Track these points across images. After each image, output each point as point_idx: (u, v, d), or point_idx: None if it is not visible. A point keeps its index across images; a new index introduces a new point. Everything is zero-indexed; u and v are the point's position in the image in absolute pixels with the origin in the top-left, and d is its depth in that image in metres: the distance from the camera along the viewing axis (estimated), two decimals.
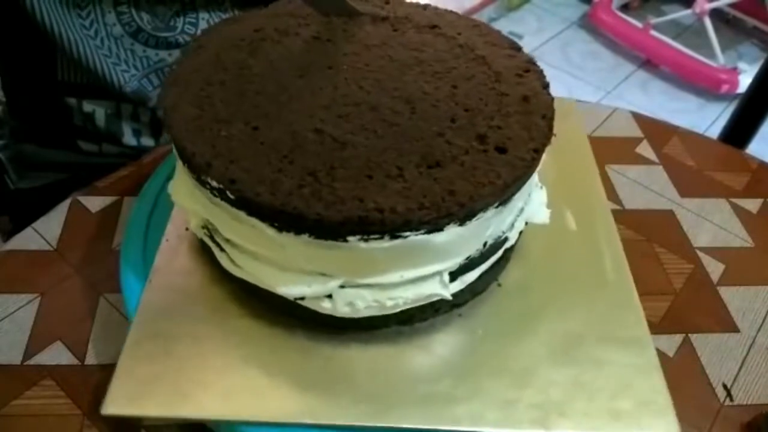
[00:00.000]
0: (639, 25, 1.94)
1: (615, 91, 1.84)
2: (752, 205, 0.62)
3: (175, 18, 0.61)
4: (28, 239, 0.53)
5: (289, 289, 0.38)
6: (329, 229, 0.35)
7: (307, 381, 0.39)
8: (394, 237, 0.35)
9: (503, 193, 0.37)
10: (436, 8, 0.50)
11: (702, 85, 1.83)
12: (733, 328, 0.52)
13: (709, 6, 1.85)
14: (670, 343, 0.50)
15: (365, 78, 0.43)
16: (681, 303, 0.52)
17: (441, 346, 0.42)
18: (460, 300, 0.43)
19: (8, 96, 0.66)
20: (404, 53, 0.45)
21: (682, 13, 1.97)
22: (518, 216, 0.43)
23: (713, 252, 0.57)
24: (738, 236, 0.59)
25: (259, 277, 0.40)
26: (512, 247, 0.45)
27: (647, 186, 0.63)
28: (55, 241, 0.53)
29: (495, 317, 0.43)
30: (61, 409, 0.43)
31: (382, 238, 0.35)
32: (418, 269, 0.38)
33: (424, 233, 0.35)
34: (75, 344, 0.46)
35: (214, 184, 0.36)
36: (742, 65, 1.80)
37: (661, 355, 0.49)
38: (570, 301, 0.44)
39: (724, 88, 1.79)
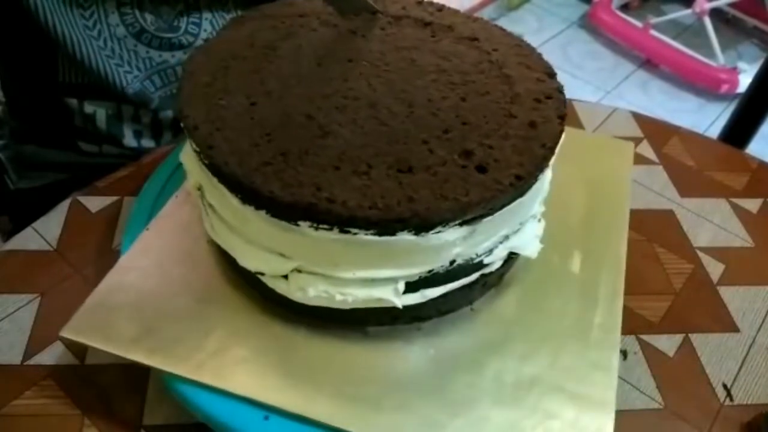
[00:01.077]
0: (639, 24, 1.94)
1: (615, 91, 1.84)
2: (752, 205, 0.62)
3: (179, 19, 0.61)
4: (28, 239, 0.53)
5: (249, 262, 0.40)
6: (281, 209, 0.36)
7: (241, 345, 0.41)
8: (342, 231, 0.35)
9: (465, 211, 0.36)
10: (486, 22, 0.50)
11: (702, 84, 1.83)
12: (733, 328, 0.52)
13: (708, 6, 1.85)
14: (670, 343, 0.50)
15: (378, 76, 0.43)
16: (681, 303, 0.52)
17: (388, 354, 0.41)
18: (422, 314, 0.42)
19: (8, 96, 0.66)
20: (429, 59, 0.45)
21: (682, 13, 1.97)
22: (500, 243, 0.41)
23: (713, 252, 0.57)
24: (738, 236, 0.59)
25: (228, 245, 0.41)
26: (497, 274, 0.43)
27: (647, 186, 0.63)
28: (55, 241, 0.53)
29: (454, 340, 0.42)
30: (61, 409, 0.43)
31: (331, 229, 0.35)
32: (371, 270, 0.37)
33: (374, 234, 0.35)
34: (75, 344, 0.46)
35: (194, 146, 0.38)
36: (742, 65, 1.80)
37: (661, 355, 0.49)
38: (539, 344, 0.42)
39: (724, 87, 1.79)
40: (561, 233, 0.46)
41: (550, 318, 0.43)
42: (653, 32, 1.91)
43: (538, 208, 0.43)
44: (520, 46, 0.48)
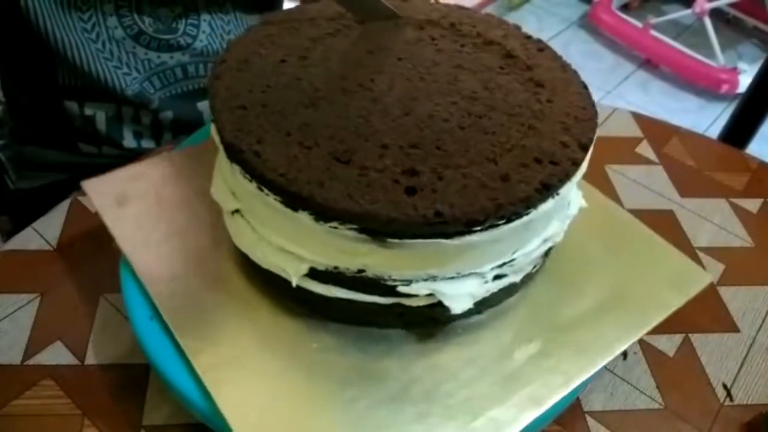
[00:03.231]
0: (639, 25, 1.94)
1: (615, 91, 1.84)
2: (752, 205, 0.62)
3: (177, 20, 0.61)
4: (28, 239, 0.53)
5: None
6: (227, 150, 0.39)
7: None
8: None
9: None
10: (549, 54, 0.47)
11: (702, 85, 1.83)
12: (733, 328, 0.52)
13: (709, 6, 1.85)
14: (670, 343, 0.50)
15: (391, 82, 0.43)
16: None
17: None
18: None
19: (8, 97, 0.66)
20: (473, 84, 0.43)
21: (682, 13, 1.97)
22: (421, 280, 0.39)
23: (713, 252, 0.57)
24: (738, 236, 0.59)
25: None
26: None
27: (647, 186, 0.63)
28: (55, 241, 0.53)
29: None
30: (61, 409, 0.43)
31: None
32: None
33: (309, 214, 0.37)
34: (75, 344, 0.46)
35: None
36: (742, 65, 1.80)
37: (661, 355, 0.49)
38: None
39: (724, 88, 1.79)
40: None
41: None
42: (653, 32, 1.91)
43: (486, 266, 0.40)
44: (580, 94, 0.44)
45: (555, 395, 0.39)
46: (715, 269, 0.56)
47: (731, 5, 1.97)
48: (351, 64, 0.44)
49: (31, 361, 0.45)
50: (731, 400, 0.47)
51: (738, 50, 1.99)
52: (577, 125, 0.41)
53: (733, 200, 0.62)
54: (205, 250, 0.45)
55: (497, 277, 0.41)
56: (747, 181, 0.65)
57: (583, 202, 0.45)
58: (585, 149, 0.40)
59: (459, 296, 0.39)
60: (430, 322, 0.42)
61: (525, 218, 0.37)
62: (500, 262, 0.40)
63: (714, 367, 0.49)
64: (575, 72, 0.46)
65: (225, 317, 0.41)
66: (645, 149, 0.66)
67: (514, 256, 0.40)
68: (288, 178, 0.36)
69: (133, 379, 0.45)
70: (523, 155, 0.38)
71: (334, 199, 0.35)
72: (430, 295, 0.39)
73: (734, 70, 1.80)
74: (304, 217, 0.36)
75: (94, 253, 0.52)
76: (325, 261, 0.38)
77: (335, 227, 0.36)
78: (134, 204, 0.47)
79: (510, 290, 0.43)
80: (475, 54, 0.46)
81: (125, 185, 0.48)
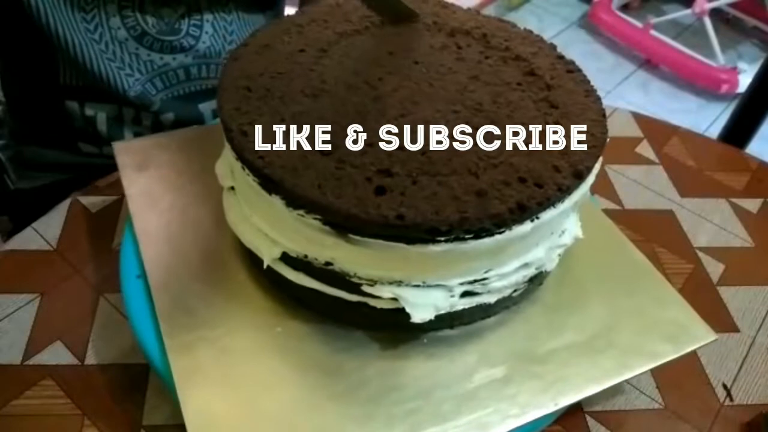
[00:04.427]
0: (639, 25, 1.94)
1: (615, 91, 1.84)
2: (752, 205, 0.62)
3: (180, 22, 0.61)
4: (28, 239, 0.53)
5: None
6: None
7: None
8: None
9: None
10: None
11: (702, 84, 1.83)
12: (733, 328, 0.52)
13: (709, 6, 1.85)
14: None
15: (398, 84, 0.43)
16: None
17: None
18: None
19: (9, 97, 0.66)
20: (479, 94, 0.43)
21: (682, 13, 1.97)
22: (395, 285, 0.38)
23: (713, 252, 0.57)
24: (738, 236, 0.59)
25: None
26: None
27: (647, 186, 0.63)
28: (55, 241, 0.53)
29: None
30: (61, 409, 0.43)
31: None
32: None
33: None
34: (75, 344, 0.46)
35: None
36: (742, 65, 1.80)
37: None
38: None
39: (724, 88, 1.79)
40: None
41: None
42: (653, 32, 1.91)
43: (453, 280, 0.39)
44: (594, 121, 0.42)
45: (504, 425, 0.37)
46: (715, 269, 0.56)
47: (731, 5, 1.97)
48: (366, 63, 0.44)
49: (31, 361, 0.45)
50: (731, 400, 0.47)
51: (738, 50, 1.99)
52: (577, 152, 0.39)
53: (733, 200, 0.62)
54: (205, 225, 0.46)
55: (467, 294, 0.40)
56: (747, 181, 0.65)
57: (579, 233, 0.44)
58: (579, 177, 0.38)
59: (422, 306, 0.38)
60: (395, 327, 0.41)
61: (497, 237, 0.36)
62: (470, 278, 0.39)
63: (714, 367, 0.49)
64: (598, 98, 0.43)
65: (204, 288, 0.43)
66: (645, 149, 0.66)
67: (487, 275, 0.39)
68: (265, 161, 0.37)
69: (133, 379, 0.45)
70: (508, 173, 0.37)
71: (302, 187, 0.35)
72: (394, 299, 0.38)
73: (734, 70, 1.80)
74: (277, 202, 0.37)
75: (94, 253, 0.52)
76: (295, 248, 0.39)
77: (302, 215, 0.36)
78: (152, 170, 0.49)
79: (485, 310, 0.42)
80: (496, 67, 0.45)
81: (149, 152, 0.51)
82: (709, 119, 1.77)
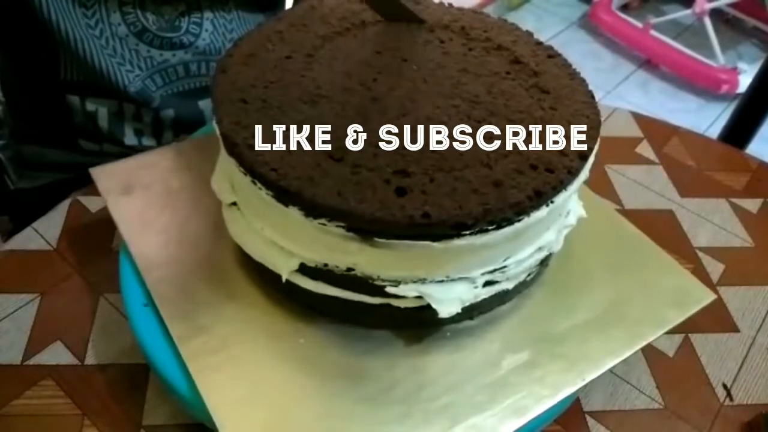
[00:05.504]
0: (639, 25, 1.94)
1: (615, 91, 1.84)
2: (752, 205, 0.62)
3: (180, 18, 0.62)
4: (28, 239, 0.53)
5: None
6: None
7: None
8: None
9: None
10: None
11: (702, 85, 1.83)
12: (733, 328, 0.52)
13: (709, 6, 1.85)
14: (670, 343, 0.50)
15: (393, 84, 0.43)
16: None
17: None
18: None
19: (9, 95, 0.66)
20: (473, 86, 0.43)
21: (682, 13, 1.97)
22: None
23: (713, 252, 0.57)
24: (738, 236, 0.59)
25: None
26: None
27: (647, 186, 0.63)
28: (55, 241, 0.53)
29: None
30: (61, 409, 0.43)
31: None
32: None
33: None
34: (75, 344, 0.46)
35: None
36: (742, 65, 1.80)
37: (661, 355, 0.49)
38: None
39: (724, 88, 1.79)
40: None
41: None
42: (653, 32, 1.91)
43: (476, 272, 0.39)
44: (585, 103, 0.43)
45: (539, 407, 0.38)
46: (715, 269, 0.56)
47: (731, 5, 1.97)
48: (356, 64, 0.44)
49: (31, 361, 0.45)
50: (731, 400, 0.47)
51: (738, 50, 1.99)
52: (578, 133, 0.41)
53: (733, 200, 0.62)
54: (204, 241, 0.45)
55: (488, 283, 0.40)
56: (747, 181, 0.65)
57: (582, 213, 0.45)
58: (584, 158, 0.39)
59: (448, 300, 0.39)
60: (419, 324, 0.41)
61: (517, 225, 0.37)
62: (491, 268, 0.39)
63: (714, 367, 0.49)
64: (583, 80, 0.45)
65: (217, 307, 0.42)
66: (645, 149, 0.66)
67: (506, 263, 0.40)
68: (279, 173, 0.36)
69: (133, 379, 0.45)
70: (519, 161, 0.38)
71: (322, 196, 0.35)
72: (418, 297, 0.39)
73: (734, 70, 1.80)
74: (294, 213, 0.36)
75: (94, 253, 0.52)
76: (314, 257, 0.38)
77: (324, 224, 0.36)
78: (139, 193, 0.48)
79: (502, 297, 0.42)
80: (482, 58, 0.46)
81: (132, 174, 0.49)
82: (709, 119, 1.77)
